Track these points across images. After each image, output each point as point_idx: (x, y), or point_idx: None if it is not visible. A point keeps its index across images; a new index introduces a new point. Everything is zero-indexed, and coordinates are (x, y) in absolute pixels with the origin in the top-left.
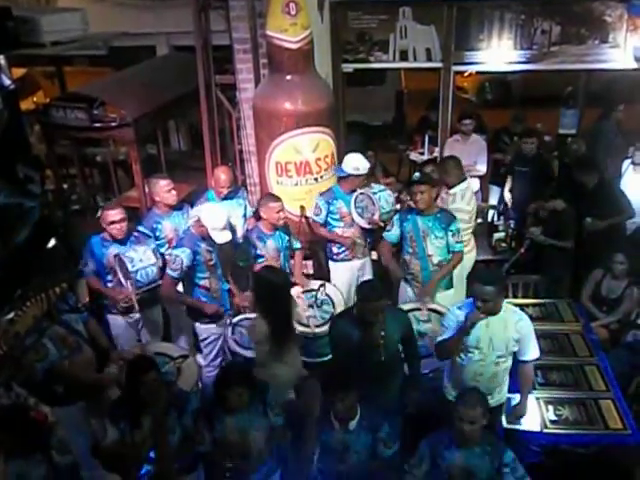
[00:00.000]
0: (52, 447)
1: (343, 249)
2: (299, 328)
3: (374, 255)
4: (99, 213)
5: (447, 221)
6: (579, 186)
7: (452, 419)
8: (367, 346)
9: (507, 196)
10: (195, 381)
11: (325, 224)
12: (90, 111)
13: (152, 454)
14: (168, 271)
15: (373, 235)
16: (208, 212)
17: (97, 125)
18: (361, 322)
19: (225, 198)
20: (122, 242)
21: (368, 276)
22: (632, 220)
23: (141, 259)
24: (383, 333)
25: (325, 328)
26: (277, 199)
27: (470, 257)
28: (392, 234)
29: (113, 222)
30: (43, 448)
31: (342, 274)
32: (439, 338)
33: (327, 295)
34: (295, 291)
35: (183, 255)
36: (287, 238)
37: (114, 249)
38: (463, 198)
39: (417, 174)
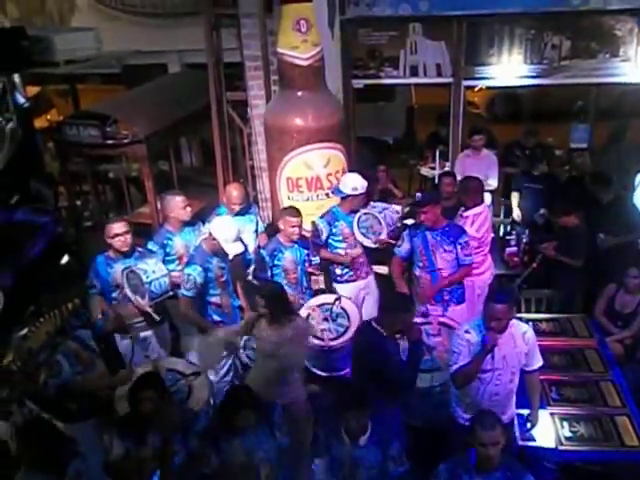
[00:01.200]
0: (66, 476)
1: (346, 270)
2: (313, 341)
3: (382, 269)
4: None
5: (456, 234)
6: (592, 201)
7: (472, 445)
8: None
9: (516, 212)
10: (207, 398)
11: (326, 245)
12: (103, 128)
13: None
14: (182, 291)
15: (375, 252)
16: (219, 224)
17: (110, 142)
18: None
19: (237, 214)
20: (128, 256)
21: (373, 295)
22: None
23: (154, 270)
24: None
25: (340, 341)
26: (296, 214)
27: (482, 279)
28: (402, 249)
29: (117, 235)
30: (59, 474)
31: (346, 295)
32: (454, 366)
33: (342, 309)
34: (310, 304)
35: (195, 273)
36: (306, 252)
37: (121, 265)
38: (473, 225)
39: (419, 194)
